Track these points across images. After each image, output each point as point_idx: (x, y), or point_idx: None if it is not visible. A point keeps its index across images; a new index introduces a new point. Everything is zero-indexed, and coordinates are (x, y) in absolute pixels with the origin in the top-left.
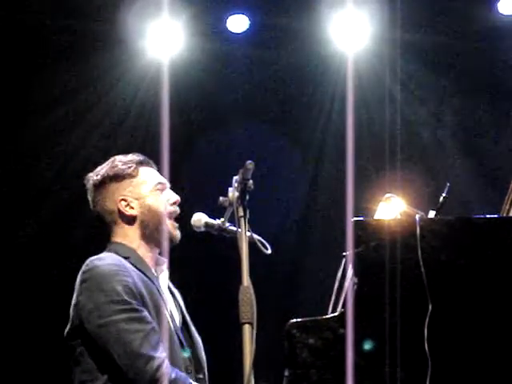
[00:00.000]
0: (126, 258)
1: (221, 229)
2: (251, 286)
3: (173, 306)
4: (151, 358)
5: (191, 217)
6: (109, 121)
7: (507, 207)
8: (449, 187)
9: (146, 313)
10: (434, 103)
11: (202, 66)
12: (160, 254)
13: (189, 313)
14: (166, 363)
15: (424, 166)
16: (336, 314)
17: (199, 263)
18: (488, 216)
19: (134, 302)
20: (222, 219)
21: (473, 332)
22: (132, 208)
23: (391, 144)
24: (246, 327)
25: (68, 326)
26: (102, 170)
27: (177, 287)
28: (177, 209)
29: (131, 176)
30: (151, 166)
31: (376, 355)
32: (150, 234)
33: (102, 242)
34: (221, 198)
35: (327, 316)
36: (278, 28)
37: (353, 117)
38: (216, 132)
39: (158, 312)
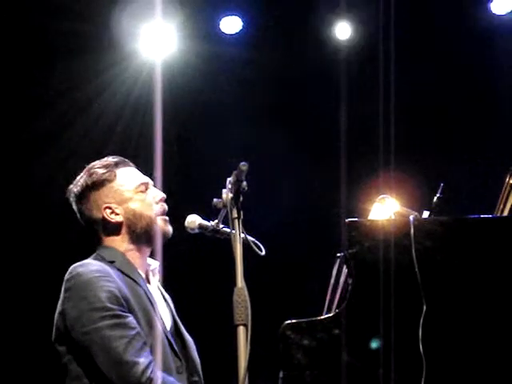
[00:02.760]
0: (111, 262)
1: (215, 230)
2: (245, 288)
3: (163, 308)
4: (135, 364)
5: (185, 218)
6: (101, 123)
7: (501, 206)
8: (443, 187)
9: (130, 318)
10: (429, 103)
11: (195, 68)
12: (152, 254)
13: (183, 315)
14: (151, 368)
15: (418, 166)
16: (330, 314)
17: (193, 265)
18: (482, 216)
19: (116, 307)
20: (216, 221)
21: (468, 333)
22: (117, 214)
23: (385, 144)
24: (241, 329)
25: (54, 333)
26: (81, 179)
27: (171, 289)
28: (164, 206)
29: (109, 181)
30: (128, 165)
31: (370, 356)
32: (138, 237)
33: (93, 244)
34: (214, 200)
35: (322, 317)
36: (270, 29)
37: (346, 117)
38: (209, 133)
39: (146, 314)
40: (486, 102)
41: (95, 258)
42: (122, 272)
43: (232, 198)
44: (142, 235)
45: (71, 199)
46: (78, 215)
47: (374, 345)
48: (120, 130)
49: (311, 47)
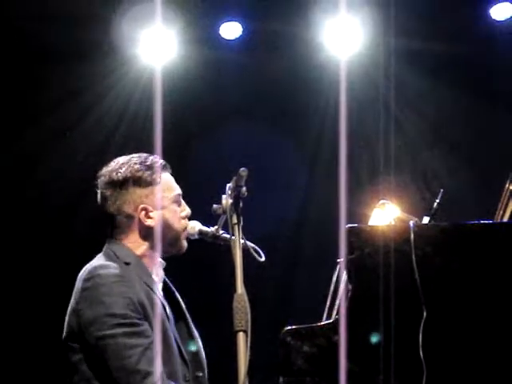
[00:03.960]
0: (126, 263)
1: (215, 236)
2: (245, 294)
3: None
4: (148, 374)
5: None
6: (102, 128)
7: (501, 212)
8: (443, 193)
9: (145, 326)
10: (428, 109)
11: (195, 73)
12: None
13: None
14: (163, 379)
15: (418, 172)
16: (330, 320)
17: (193, 271)
18: (482, 221)
19: (134, 315)
20: (216, 227)
21: (468, 338)
22: (150, 218)
23: (385, 150)
24: (241, 335)
25: (66, 331)
26: (122, 168)
27: None
28: (187, 222)
29: (155, 184)
30: (169, 171)
31: (370, 362)
32: (159, 247)
33: (103, 233)
34: (214, 206)
35: (321, 323)
36: (270, 34)
37: (346, 122)
38: (209, 139)
39: (160, 323)
40: (486, 106)
41: (108, 256)
42: (138, 276)
43: (232, 204)
44: (163, 245)
45: (103, 183)
46: (104, 200)
47: (374, 339)
48: (120, 135)
49: (311, 52)
